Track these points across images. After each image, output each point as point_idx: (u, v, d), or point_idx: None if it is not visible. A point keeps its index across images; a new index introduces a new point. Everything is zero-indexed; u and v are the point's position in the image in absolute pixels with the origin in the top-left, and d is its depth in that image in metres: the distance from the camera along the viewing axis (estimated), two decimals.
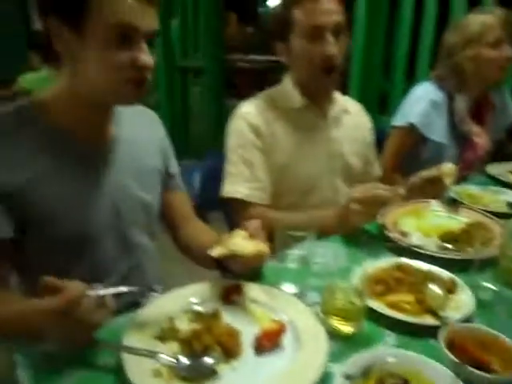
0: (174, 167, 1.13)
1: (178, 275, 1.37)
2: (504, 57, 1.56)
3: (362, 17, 2.58)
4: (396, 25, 2.62)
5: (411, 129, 1.66)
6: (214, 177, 1.43)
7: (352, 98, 2.66)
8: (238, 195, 1.25)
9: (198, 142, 3.91)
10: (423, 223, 1.18)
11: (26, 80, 3.11)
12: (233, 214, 1.31)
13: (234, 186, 1.26)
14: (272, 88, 1.37)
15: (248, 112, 1.28)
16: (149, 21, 0.82)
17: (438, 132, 1.66)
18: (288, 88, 1.31)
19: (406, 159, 1.72)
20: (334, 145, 1.34)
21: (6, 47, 4.27)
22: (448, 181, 1.22)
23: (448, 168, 1.24)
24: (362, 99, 2.68)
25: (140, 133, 1.02)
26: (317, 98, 1.31)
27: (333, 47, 1.18)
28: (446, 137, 1.67)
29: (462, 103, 1.66)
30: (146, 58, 0.81)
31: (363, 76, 2.69)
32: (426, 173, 1.29)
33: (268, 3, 12.44)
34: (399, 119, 1.71)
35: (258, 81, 8.47)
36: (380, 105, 2.80)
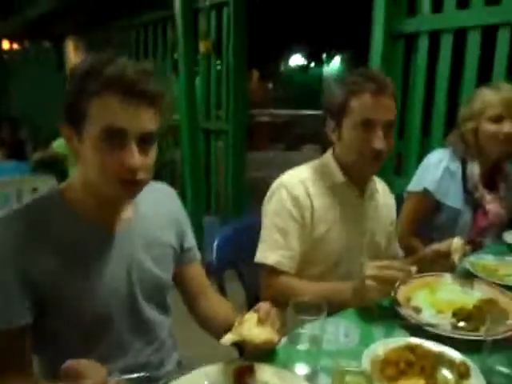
0: (190, 241, 1.17)
1: (195, 343, 1.40)
2: (503, 132, 1.62)
3: None
4: (411, 90, 2.71)
5: (426, 194, 1.71)
6: (232, 238, 1.50)
7: None
8: (269, 261, 1.29)
9: (220, 197, 4.02)
10: (436, 298, 1.19)
11: (60, 145, 3.28)
12: (261, 278, 1.35)
13: (266, 253, 1.31)
14: (315, 161, 1.44)
15: (290, 182, 1.34)
16: (140, 123, 0.85)
17: (452, 197, 1.71)
18: (331, 163, 1.37)
19: (422, 223, 1.76)
20: (366, 222, 1.40)
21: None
22: (456, 256, 1.24)
23: (456, 243, 1.26)
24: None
25: (156, 210, 1.07)
26: (357, 178, 1.37)
27: (381, 142, 1.24)
28: (460, 202, 1.72)
29: (474, 170, 1.71)
30: (133, 160, 0.84)
31: None
32: (437, 246, 1.32)
33: (290, 62, 13.05)
34: (415, 185, 1.77)
35: (276, 134, 8.72)
36: (396, 167, 2.85)
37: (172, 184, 1.20)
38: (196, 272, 1.18)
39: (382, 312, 1.14)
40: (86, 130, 0.84)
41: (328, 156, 1.39)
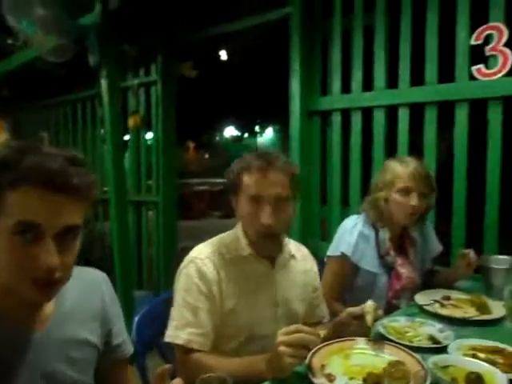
0: (119, 336, 1.09)
1: None
2: (410, 204, 1.77)
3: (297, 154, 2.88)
4: (328, 161, 2.91)
5: (344, 258, 1.80)
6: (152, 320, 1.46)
7: (295, 228, 2.84)
8: (179, 341, 1.27)
9: (152, 270, 3.93)
10: (349, 364, 1.22)
11: None
12: (174, 358, 1.32)
13: (176, 332, 1.28)
14: (224, 234, 1.46)
15: (197, 257, 1.35)
16: (60, 218, 0.78)
17: (368, 261, 1.82)
18: (238, 236, 1.41)
19: (344, 287, 1.83)
20: (279, 292, 1.42)
21: None
22: (369, 318, 1.30)
23: (369, 306, 1.33)
24: (304, 227, 2.88)
25: (80, 303, 0.99)
26: (263, 249, 1.39)
27: (269, 217, 1.28)
28: (375, 266, 1.83)
29: (385, 236, 1.84)
30: (50, 259, 0.77)
31: (304, 206, 2.90)
32: (350, 309, 1.37)
33: (224, 133, 13.58)
34: (333, 250, 1.87)
35: (213, 202, 8.81)
36: (322, 232, 2.98)
37: (102, 258, 1.18)
38: (120, 375, 1.11)
39: (298, 381, 1.15)
40: (1, 225, 0.78)
41: (237, 228, 1.43)
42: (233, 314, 1.33)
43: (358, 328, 1.34)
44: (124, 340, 1.11)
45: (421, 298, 1.76)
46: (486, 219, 2.18)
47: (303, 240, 2.84)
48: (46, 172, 0.77)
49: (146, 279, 3.98)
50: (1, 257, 0.79)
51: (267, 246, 1.38)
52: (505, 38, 2.07)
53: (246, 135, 13.66)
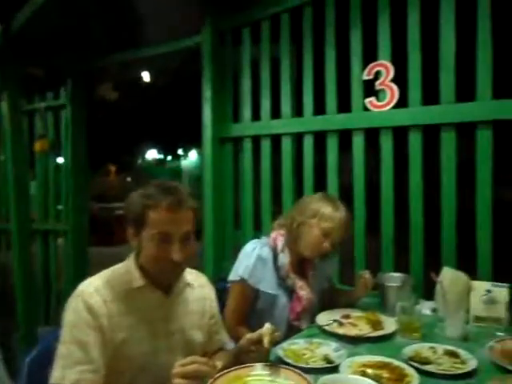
0: None
1: None
2: (323, 246, 1.87)
3: (209, 191, 2.91)
4: (241, 186, 2.97)
5: (243, 282, 1.83)
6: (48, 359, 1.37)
7: (208, 252, 2.85)
8: (66, 382, 1.20)
9: (61, 303, 3.70)
10: None
11: None
12: None
13: (64, 371, 1.21)
14: (115, 266, 1.41)
15: (84, 290, 1.30)
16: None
17: (267, 284, 1.86)
18: (130, 268, 1.37)
19: (247, 312, 1.85)
20: (174, 321, 1.40)
21: None
22: (266, 341, 1.34)
23: (266, 329, 1.36)
24: (217, 251, 2.90)
25: None
26: (159, 282, 1.37)
27: (179, 255, 1.28)
28: (275, 288, 1.88)
29: (284, 260, 1.90)
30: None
31: (217, 231, 2.93)
32: (249, 335, 1.40)
33: (146, 156, 13.36)
34: (233, 275, 1.89)
35: None
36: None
37: (3, 292, 1.09)
38: None
39: None
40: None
41: (129, 260, 1.40)
42: (125, 347, 1.29)
43: (258, 353, 1.37)
44: None
45: (321, 318, 1.83)
46: (384, 239, 2.35)
47: (216, 264, 2.86)
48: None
49: (53, 314, 3.73)
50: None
51: (170, 277, 1.37)
52: (391, 75, 2.28)
53: (169, 158, 13.53)
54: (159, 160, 13.66)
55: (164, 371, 1.27)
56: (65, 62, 3.46)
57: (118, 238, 7.88)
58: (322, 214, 1.86)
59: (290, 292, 1.91)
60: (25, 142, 3.52)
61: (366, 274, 1.98)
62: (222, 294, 1.94)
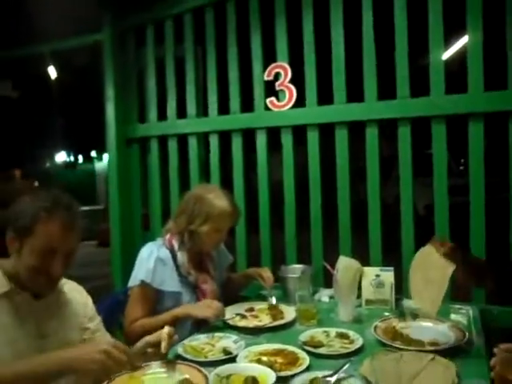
0: None
1: None
2: (219, 240, 1.97)
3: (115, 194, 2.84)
4: (149, 186, 2.93)
5: (144, 286, 1.82)
6: None
7: (115, 257, 2.76)
8: None
9: None
10: None
11: None
12: None
13: None
14: None
15: None
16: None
17: (169, 283, 1.87)
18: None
19: (147, 314, 1.83)
20: (46, 324, 1.36)
21: None
22: (164, 344, 1.35)
23: (164, 333, 1.37)
24: (126, 256, 2.83)
25: None
26: (29, 288, 1.33)
27: (59, 269, 1.27)
28: (178, 286, 1.89)
29: (183, 259, 1.92)
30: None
31: (123, 235, 2.86)
32: (147, 338, 1.40)
33: (56, 159, 12.59)
34: (132, 280, 1.87)
35: None
36: None
37: None
38: None
39: None
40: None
41: None
42: None
43: (155, 355, 1.38)
44: None
45: (226, 313, 1.87)
46: (287, 233, 2.46)
47: (125, 269, 2.80)
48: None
49: None
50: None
51: (43, 290, 1.34)
52: (289, 76, 2.40)
53: (81, 161, 12.89)
54: (70, 163, 12.95)
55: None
56: None
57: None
58: (212, 215, 1.86)
59: (194, 288, 1.93)
60: None
61: (267, 272, 2.06)
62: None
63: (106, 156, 13.60)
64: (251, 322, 1.78)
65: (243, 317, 1.85)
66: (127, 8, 2.90)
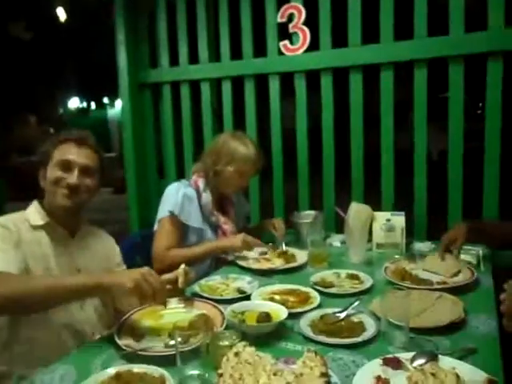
0: None
1: None
2: (241, 184, 2.06)
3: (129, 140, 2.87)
4: (162, 133, 2.94)
5: (173, 217, 1.92)
6: None
7: (132, 201, 2.83)
8: None
9: None
10: (160, 323, 1.33)
11: None
12: None
13: None
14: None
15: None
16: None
17: (194, 219, 1.97)
18: (34, 209, 1.46)
19: (176, 244, 1.92)
20: (78, 260, 1.49)
21: None
22: (180, 280, 1.42)
23: (181, 269, 1.45)
24: (141, 201, 2.91)
25: None
26: (61, 219, 1.46)
27: (76, 179, 1.42)
28: (201, 223, 2.00)
29: (207, 199, 1.99)
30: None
31: (140, 180, 2.92)
32: (166, 276, 1.48)
33: (69, 105, 12.53)
34: (161, 212, 1.97)
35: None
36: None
37: None
38: None
39: (104, 344, 1.23)
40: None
41: (33, 204, 1.49)
42: (27, 274, 1.33)
43: (173, 292, 1.46)
44: None
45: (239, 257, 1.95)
46: (300, 180, 2.49)
47: (142, 214, 2.88)
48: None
49: None
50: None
51: (64, 202, 1.43)
52: (303, 17, 2.32)
53: (93, 107, 12.83)
54: (82, 109, 12.91)
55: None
56: None
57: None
58: (237, 158, 1.97)
59: (215, 228, 2.04)
60: None
61: (279, 223, 2.12)
62: (146, 242, 2.02)
63: (118, 103, 13.52)
64: (264, 265, 1.86)
65: (256, 260, 1.92)
66: None
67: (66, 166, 1.43)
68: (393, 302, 1.21)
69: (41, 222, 1.43)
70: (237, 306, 1.36)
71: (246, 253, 1.94)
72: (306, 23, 2.33)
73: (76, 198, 1.43)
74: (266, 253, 2.00)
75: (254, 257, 1.94)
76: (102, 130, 12.06)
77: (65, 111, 12.63)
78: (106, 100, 12.70)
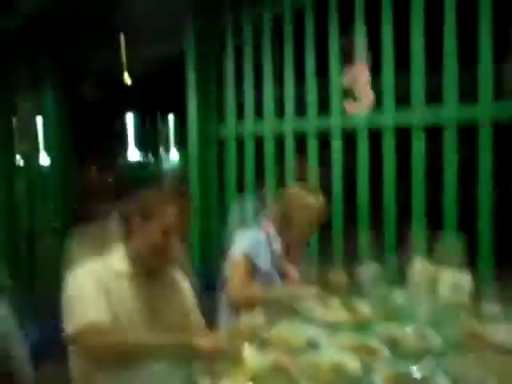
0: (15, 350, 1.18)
1: None
2: (310, 232, 2.14)
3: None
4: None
5: (245, 257, 2.00)
6: None
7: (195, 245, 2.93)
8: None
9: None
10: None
11: None
12: None
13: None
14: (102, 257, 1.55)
15: (79, 268, 1.46)
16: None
17: (264, 263, 2.04)
18: (119, 256, 1.52)
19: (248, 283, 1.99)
20: (155, 305, 1.54)
21: None
22: (257, 325, 1.47)
23: (258, 313, 1.50)
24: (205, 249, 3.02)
25: None
26: (145, 266, 1.53)
27: (175, 247, 1.48)
28: (270, 268, 2.06)
29: (277, 245, 2.09)
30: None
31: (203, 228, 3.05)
32: (241, 319, 1.54)
33: (127, 155, 13.24)
34: (235, 251, 2.04)
35: None
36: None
37: None
38: None
39: None
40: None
41: (117, 250, 1.55)
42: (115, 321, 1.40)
43: (247, 337, 1.50)
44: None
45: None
46: (361, 230, 2.52)
47: (204, 260, 2.99)
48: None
49: None
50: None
51: (159, 264, 1.53)
52: (367, 78, 2.45)
53: (149, 157, 13.50)
54: (140, 159, 13.61)
55: None
56: (51, 63, 3.52)
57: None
58: (306, 207, 2.04)
59: (282, 274, 2.11)
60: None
61: (342, 274, 2.14)
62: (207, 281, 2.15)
63: (172, 155, 14.22)
64: (329, 316, 1.87)
65: (321, 310, 1.93)
66: (210, 15, 3.06)
67: (167, 232, 1.46)
68: (465, 363, 1.19)
69: (126, 269, 1.50)
70: (310, 355, 1.38)
71: (310, 303, 1.96)
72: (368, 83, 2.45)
73: (171, 261, 1.54)
74: (326, 301, 2.01)
75: (318, 307, 1.95)
76: (157, 178, 12.64)
77: (124, 161, 13.34)
78: (161, 151, 13.35)
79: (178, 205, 1.49)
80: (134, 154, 13.34)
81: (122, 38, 3.63)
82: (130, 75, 4.70)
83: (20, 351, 1.19)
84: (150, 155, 13.51)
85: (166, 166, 14.04)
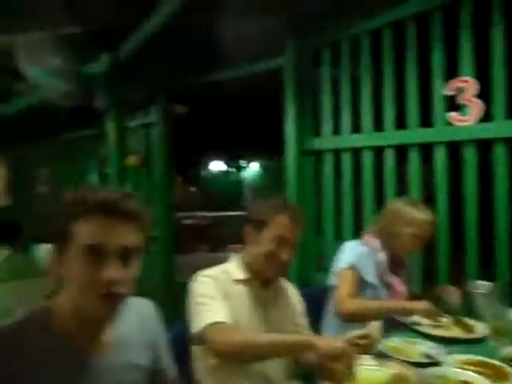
0: (164, 362, 1.23)
1: None
2: (416, 246, 2.08)
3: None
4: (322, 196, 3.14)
5: (353, 269, 2.02)
6: None
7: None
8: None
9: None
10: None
11: None
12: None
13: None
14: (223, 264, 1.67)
15: (202, 274, 1.57)
16: (119, 238, 0.92)
17: (370, 275, 2.05)
18: (236, 264, 1.64)
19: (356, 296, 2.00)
20: (270, 311, 1.62)
21: None
22: (374, 336, 1.49)
23: (375, 324, 1.52)
24: (302, 259, 3.07)
25: (132, 330, 1.11)
26: (259, 275, 1.61)
27: (289, 256, 1.55)
28: (376, 281, 2.07)
29: (382, 258, 2.09)
30: (112, 273, 0.90)
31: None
32: (357, 330, 1.56)
33: (210, 167, 13.82)
34: (342, 264, 2.07)
35: (200, 236, 8.89)
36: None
37: None
38: None
39: None
40: (71, 249, 0.92)
41: (235, 259, 1.67)
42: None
43: (366, 348, 1.52)
44: (168, 365, 1.27)
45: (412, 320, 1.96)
46: (469, 248, 2.43)
47: (301, 271, 3.04)
48: (107, 202, 0.93)
49: None
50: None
51: (274, 272, 1.61)
52: (474, 91, 2.37)
53: (232, 169, 13.94)
54: (222, 171, 14.12)
55: None
56: (157, 84, 3.82)
57: (181, 248, 8.13)
58: (416, 221, 2.03)
59: (387, 287, 2.10)
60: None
61: (455, 291, 2.09)
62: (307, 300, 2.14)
63: (252, 165, 14.59)
64: (445, 333, 1.83)
65: (434, 327, 1.90)
66: (307, 32, 3.16)
67: (281, 241, 1.53)
68: None
69: (242, 277, 1.60)
70: (435, 371, 1.38)
71: (421, 319, 1.94)
72: (476, 94, 2.37)
73: (285, 269, 1.61)
74: (439, 320, 1.97)
75: (430, 324, 1.92)
76: (236, 190, 13.03)
77: (207, 173, 13.93)
78: (242, 163, 13.73)
79: (291, 215, 1.55)
80: (216, 165, 13.92)
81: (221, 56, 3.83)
82: (226, 92, 4.92)
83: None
84: (231, 166, 14.01)
85: (246, 176, 14.46)
